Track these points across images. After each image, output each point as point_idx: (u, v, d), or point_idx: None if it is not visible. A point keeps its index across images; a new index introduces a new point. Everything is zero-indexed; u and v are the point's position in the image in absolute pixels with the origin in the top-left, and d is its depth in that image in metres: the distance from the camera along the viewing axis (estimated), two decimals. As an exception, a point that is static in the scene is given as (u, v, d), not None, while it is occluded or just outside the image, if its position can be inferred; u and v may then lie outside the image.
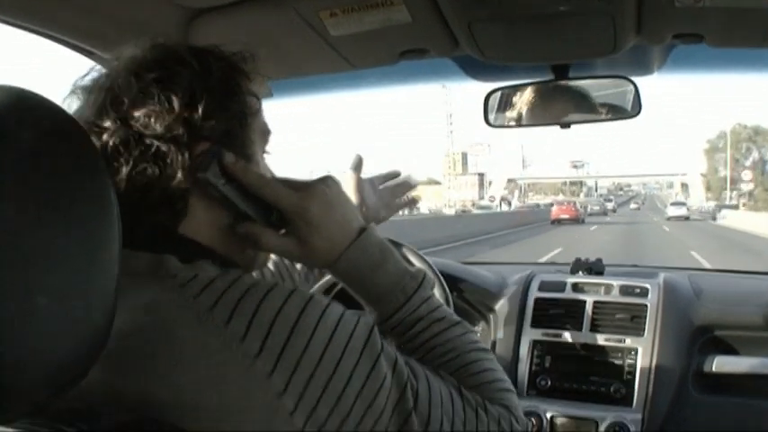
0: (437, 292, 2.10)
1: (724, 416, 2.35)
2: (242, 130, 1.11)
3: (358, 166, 1.57)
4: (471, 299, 2.72)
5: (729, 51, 2.07)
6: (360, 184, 1.55)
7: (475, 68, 2.33)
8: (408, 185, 1.65)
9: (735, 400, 2.36)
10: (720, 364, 2.37)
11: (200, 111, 1.03)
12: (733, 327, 2.45)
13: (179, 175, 1.02)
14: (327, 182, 1.18)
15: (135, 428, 0.80)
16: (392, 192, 1.62)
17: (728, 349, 2.44)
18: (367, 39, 1.88)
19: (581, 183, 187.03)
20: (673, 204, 68.34)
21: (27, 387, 0.72)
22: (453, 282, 2.49)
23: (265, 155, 1.20)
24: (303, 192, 1.14)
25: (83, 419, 0.78)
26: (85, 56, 1.83)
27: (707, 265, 15.44)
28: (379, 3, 1.69)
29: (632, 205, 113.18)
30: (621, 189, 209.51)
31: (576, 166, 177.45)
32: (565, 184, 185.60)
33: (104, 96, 1.03)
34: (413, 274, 1.21)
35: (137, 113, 1.01)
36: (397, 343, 1.15)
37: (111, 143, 1.00)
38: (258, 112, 1.16)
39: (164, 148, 1.01)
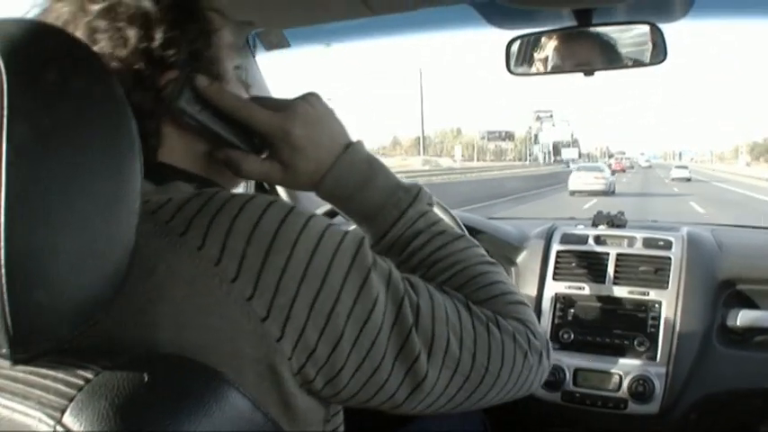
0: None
1: (749, 370, 2.32)
2: (207, 50, 1.06)
3: None
4: (492, 252, 2.67)
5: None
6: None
7: (496, 15, 2.27)
8: None
9: (759, 354, 2.33)
10: (745, 318, 2.34)
11: (157, 39, 0.98)
12: (756, 281, 2.42)
13: (147, 109, 0.97)
14: (310, 99, 1.13)
15: (161, 366, 0.77)
16: None
17: (752, 303, 2.41)
18: (387, -18, 1.83)
19: (534, 137, 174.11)
20: (677, 167, 72.33)
21: (45, 324, 0.72)
22: (474, 235, 2.45)
23: (236, 70, 1.14)
24: (284, 112, 1.10)
25: (105, 357, 0.75)
26: None
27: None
28: (400, -57, 1.65)
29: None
30: (611, 155, 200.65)
31: (539, 118, 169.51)
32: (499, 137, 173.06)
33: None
34: (406, 188, 1.16)
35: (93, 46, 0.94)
36: (396, 262, 1.07)
37: None
38: (222, 27, 1.10)
39: (125, 84, 0.92)
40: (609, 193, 39.71)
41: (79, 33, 0.95)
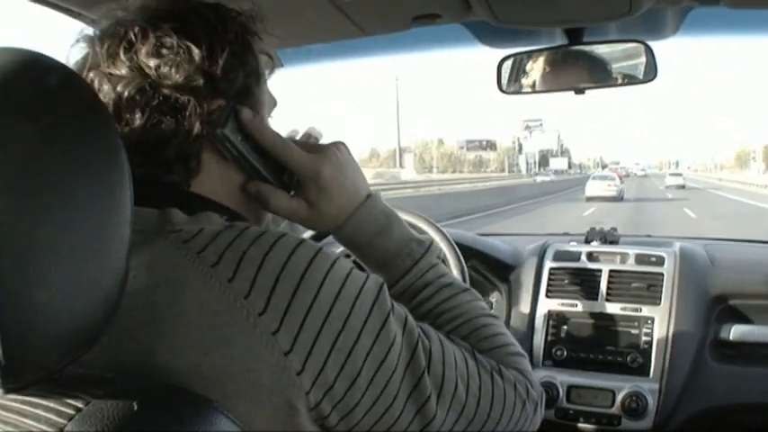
0: (452, 263, 2.08)
1: (741, 385, 2.33)
2: (257, 89, 1.10)
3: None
4: (486, 270, 2.71)
5: (747, 13, 2.03)
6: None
7: (487, 35, 2.29)
8: None
9: (753, 369, 2.34)
10: (737, 332, 2.35)
11: (220, 64, 1.01)
12: (748, 296, 2.43)
13: (196, 128, 1.00)
14: (339, 146, 1.17)
15: (146, 393, 0.78)
16: None
17: (745, 318, 2.42)
18: (379, 4, 1.86)
19: (519, 146, 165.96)
20: (671, 174, 72.85)
21: (39, 353, 0.72)
22: (468, 252, 2.47)
23: (270, 120, 1.18)
24: (316, 154, 1.13)
25: (95, 386, 0.76)
26: (71, 16, 1.80)
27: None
28: (391, -34, 1.66)
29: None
30: (605, 166, 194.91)
31: (528, 127, 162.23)
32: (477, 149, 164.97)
33: (117, 44, 1.00)
34: (419, 240, 1.21)
35: (153, 62, 0.98)
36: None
37: (126, 93, 0.97)
38: (271, 72, 1.15)
39: (182, 99, 0.99)
40: (619, 198, 42.94)
41: (146, 46, 0.99)
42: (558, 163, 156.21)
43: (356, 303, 0.94)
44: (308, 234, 2.02)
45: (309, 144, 1.18)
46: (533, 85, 2.25)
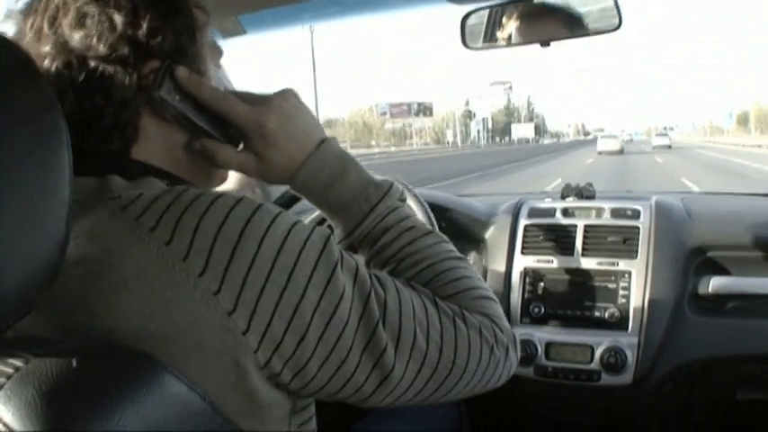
0: (423, 220, 2.06)
1: (721, 337, 2.33)
2: (191, 45, 1.08)
3: None
4: (460, 229, 2.69)
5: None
6: None
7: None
8: None
9: (731, 320, 2.34)
10: (716, 284, 2.33)
11: (144, 27, 0.99)
12: (726, 247, 2.42)
13: (127, 96, 0.99)
14: (285, 95, 1.15)
15: (87, 351, 0.77)
16: None
17: (723, 270, 2.41)
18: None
19: (468, 112, 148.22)
20: (658, 135, 76.02)
21: None
22: (441, 212, 2.48)
23: (216, 68, 1.16)
24: (260, 106, 1.11)
25: (36, 346, 0.76)
26: None
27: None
28: None
29: None
30: (587, 133, 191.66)
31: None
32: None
33: (41, 18, 0.99)
34: (377, 183, 1.18)
35: (77, 35, 0.97)
36: (366, 257, 1.13)
37: (53, 68, 0.97)
38: (206, 25, 1.12)
39: (109, 69, 0.98)
40: (621, 152, 61.94)
41: (68, 17, 0.97)
42: (522, 130, 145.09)
43: (300, 257, 0.93)
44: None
45: (254, 96, 1.15)
46: (498, 40, 2.23)
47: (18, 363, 0.73)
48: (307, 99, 1.09)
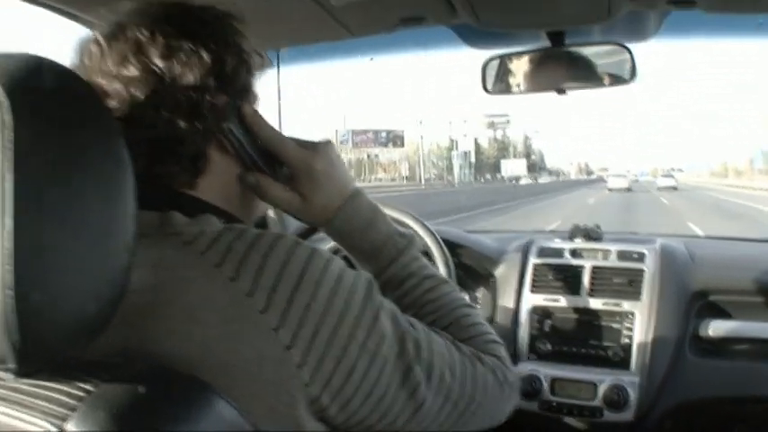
0: (438, 258, 2.12)
1: (721, 379, 2.38)
2: (253, 86, 1.16)
3: None
4: (471, 265, 2.76)
5: (722, 17, 2.09)
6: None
7: (471, 36, 2.36)
8: None
9: (731, 363, 2.39)
10: (716, 328, 2.39)
11: (228, 65, 1.07)
12: (728, 291, 2.48)
13: (207, 126, 1.05)
14: (330, 144, 1.24)
15: (153, 377, 0.83)
16: None
17: (724, 314, 2.47)
18: (367, 6, 1.91)
19: (453, 142, 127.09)
20: (663, 176, 77.16)
21: (49, 340, 0.76)
22: (454, 248, 2.52)
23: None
24: (310, 150, 1.20)
25: (103, 370, 0.81)
26: (71, 19, 1.85)
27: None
28: (379, -30, 1.71)
29: None
30: (590, 173, 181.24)
31: (493, 124, 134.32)
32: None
33: (125, 48, 1.03)
34: (402, 233, 1.28)
35: (164, 64, 1.02)
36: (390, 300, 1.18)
37: (139, 94, 1.01)
38: (261, 68, 1.19)
39: (196, 98, 1.03)
40: (629, 189, 64.46)
41: (156, 48, 1.02)
42: (513, 166, 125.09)
43: (350, 300, 0.99)
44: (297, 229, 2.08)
45: (303, 140, 1.23)
46: (516, 86, 2.31)
47: (88, 387, 0.78)
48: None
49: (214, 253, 0.95)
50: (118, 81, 1.01)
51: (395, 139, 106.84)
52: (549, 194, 49.90)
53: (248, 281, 0.93)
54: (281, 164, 1.20)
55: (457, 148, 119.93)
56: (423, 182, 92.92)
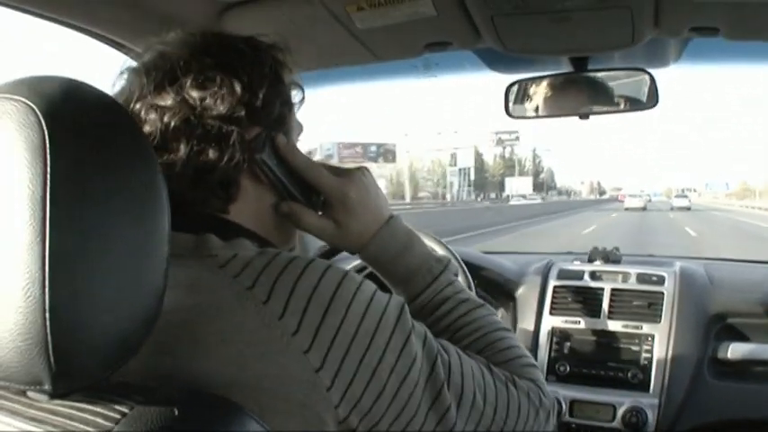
0: (460, 279, 2.14)
1: (740, 401, 2.39)
2: (289, 117, 1.18)
3: None
4: (492, 287, 2.77)
5: (744, 44, 2.11)
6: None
7: (496, 61, 2.38)
8: None
9: (750, 386, 2.40)
10: (735, 350, 2.41)
11: (260, 96, 1.09)
12: (747, 314, 2.49)
13: (237, 156, 1.06)
14: (364, 171, 1.26)
15: (188, 400, 0.83)
16: None
17: (742, 336, 2.49)
18: (392, 32, 1.93)
19: (451, 156, 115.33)
20: (677, 197, 79.62)
21: (84, 361, 0.77)
22: (474, 270, 2.54)
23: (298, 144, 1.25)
24: (344, 177, 1.22)
25: (137, 393, 0.82)
26: (116, 48, 1.89)
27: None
28: (405, -3, 1.74)
29: None
30: (603, 192, 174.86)
31: (501, 141, 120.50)
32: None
33: (162, 77, 1.06)
34: (438, 258, 1.29)
35: (198, 94, 1.05)
36: (425, 324, 1.17)
37: (172, 123, 1.04)
38: (301, 102, 1.23)
39: (226, 129, 1.06)
40: (644, 208, 67.66)
41: (190, 78, 1.06)
42: (518, 185, 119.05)
43: (380, 323, 1.00)
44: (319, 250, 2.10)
45: (337, 168, 1.25)
46: (538, 110, 2.33)
47: (123, 409, 0.78)
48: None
49: (247, 276, 0.97)
50: (154, 110, 1.05)
51: (386, 154, 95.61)
52: (543, 218, 43.72)
53: (280, 304, 0.95)
54: (317, 192, 1.21)
55: (455, 163, 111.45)
56: (408, 199, 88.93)
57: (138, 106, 1.06)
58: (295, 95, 1.21)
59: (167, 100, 1.05)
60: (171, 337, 0.94)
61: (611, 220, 43.24)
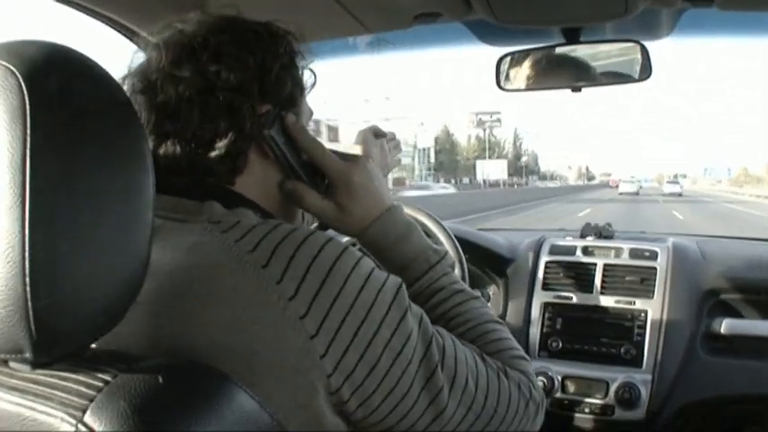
0: (452, 255, 2.13)
1: (732, 377, 2.39)
2: (300, 99, 1.20)
3: (378, 131, 1.62)
4: (484, 263, 2.78)
5: (739, 15, 2.09)
6: (373, 142, 1.60)
7: (487, 33, 2.36)
8: (398, 146, 1.72)
9: (742, 361, 2.40)
10: (728, 326, 2.41)
11: (273, 74, 1.12)
12: (739, 290, 2.50)
13: (246, 128, 1.09)
14: (369, 159, 1.29)
15: (173, 368, 0.83)
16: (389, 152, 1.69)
17: (735, 312, 2.49)
18: (382, 2, 1.93)
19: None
20: (669, 182, 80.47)
21: (66, 329, 0.76)
22: (467, 246, 2.51)
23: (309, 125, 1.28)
24: (349, 161, 1.24)
25: (121, 361, 0.80)
26: (127, 36, 1.92)
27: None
28: (394, -35, 1.71)
29: None
30: (591, 178, 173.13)
31: (481, 122, 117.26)
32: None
33: (180, 51, 1.09)
34: (435, 249, 1.30)
35: (214, 67, 1.08)
36: None
37: (187, 93, 1.07)
38: (313, 85, 1.25)
39: (236, 101, 1.09)
40: (637, 194, 72.57)
41: (207, 52, 1.09)
42: (492, 168, 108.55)
43: (378, 297, 1.01)
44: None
45: (344, 153, 1.28)
46: (530, 83, 2.31)
47: (107, 377, 0.77)
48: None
49: (248, 240, 0.98)
50: (170, 80, 1.08)
51: (328, 133, 76.83)
52: (497, 211, 34.71)
53: (279, 269, 0.95)
54: (322, 175, 1.23)
55: (416, 144, 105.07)
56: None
57: (154, 77, 1.10)
58: (307, 80, 1.23)
59: (184, 72, 1.08)
60: (167, 299, 0.96)
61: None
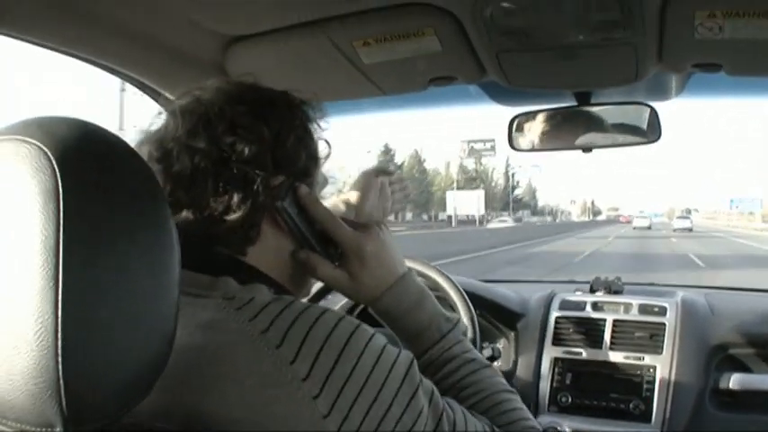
0: (461, 310, 2.15)
1: (739, 431, 2.38)
2: (314, 170, 1.22)
3: (380, 171, 1.65)
4: (494, 317, 2.79)
5: (746, 78, 2.12)
6: (371, 184, 1.63)
7: (500, 94, 2.40)
8: (405, 188, 1.74)
9: (751, 416, 2.39)
10: (737, 381, 2.41)
11: (287, 146, 1.14)
12: (748, 345, 2.50)
13: (260, 200, 1.10)
14: (381, 226, 1.29)
15: None
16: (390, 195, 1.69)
17: (744, 367, 2.49)
18: (398, 66, 1.95)
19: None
20: (679, 218, 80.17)
21: (95, 405, 0.78)
22: (477, 300, 2.51)
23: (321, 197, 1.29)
24: (361, 231, 1.25)
25: None
26: (152, 97, 1.96)
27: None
28: (410, 33, 1.76)
29: None
30: (597, 213, 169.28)
31: (474, 150, 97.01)
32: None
33: (197, 120, 1.11)
34: (447, 317, 1.31)
35: (228, 139, 1.10)
36: (432, 381, 1.20)
37: (202, 164, 1.09)
38: (328, 157, 1.27)
39: (250, 174, 1.10)
40: (650, 227, 78.24)
41: (223, 124, 1.11)
42: (463, 201, 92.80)
43: (390, 375, 1.02)
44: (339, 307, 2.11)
45: (356, 222, 1.30)
46: (542, 143, 2.34)
47: None
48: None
49: (262, 320, 0.99)
50: (186, 150, 1.10)
51: None
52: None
53: (292, 349, 0.96)
54: (335, 244, 1.25)
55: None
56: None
57: (171, 146, 1.12)
58: (322, 151, 1.25)
59: (200, 143, 1.10)
60: (181, 375, 0.96)
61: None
